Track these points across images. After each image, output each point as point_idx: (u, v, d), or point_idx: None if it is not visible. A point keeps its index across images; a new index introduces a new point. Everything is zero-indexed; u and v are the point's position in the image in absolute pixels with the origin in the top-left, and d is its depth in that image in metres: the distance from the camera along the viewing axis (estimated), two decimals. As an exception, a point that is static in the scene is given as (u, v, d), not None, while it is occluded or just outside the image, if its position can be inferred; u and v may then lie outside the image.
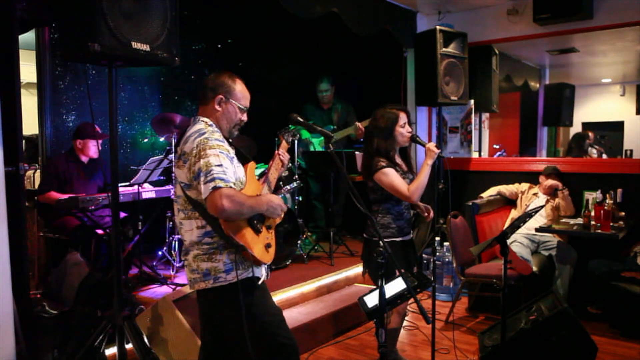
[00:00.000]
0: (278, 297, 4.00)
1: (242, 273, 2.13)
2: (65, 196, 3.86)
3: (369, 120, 3.23)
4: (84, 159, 4.20)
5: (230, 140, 2.31)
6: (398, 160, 3.15)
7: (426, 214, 3.16)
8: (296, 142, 5.21)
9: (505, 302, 2.79)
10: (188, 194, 2.13)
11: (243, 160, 2.32)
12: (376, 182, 3.03)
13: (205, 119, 2.23)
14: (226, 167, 2.04)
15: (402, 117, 3.08)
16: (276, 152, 2.48)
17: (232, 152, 2.20)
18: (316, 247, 5.26)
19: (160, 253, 4.63)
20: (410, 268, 3.15)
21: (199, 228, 2.14)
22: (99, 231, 3.97)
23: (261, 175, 2.45)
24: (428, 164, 3.02)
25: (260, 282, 2.20)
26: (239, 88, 2.28)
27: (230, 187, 2.00)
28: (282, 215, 2.26)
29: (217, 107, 2.23)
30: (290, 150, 2.75)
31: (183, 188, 2.15)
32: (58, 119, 4.70)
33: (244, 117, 2.31)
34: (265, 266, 2.27)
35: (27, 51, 4.77)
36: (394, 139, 3.07)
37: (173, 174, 4.43)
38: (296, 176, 4.87)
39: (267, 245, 2.21)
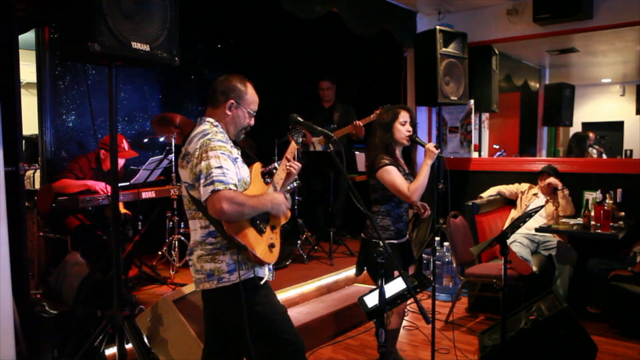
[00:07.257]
0: (278, 297, 3.93)
1: (244, 273, 2.13)
2: (79, 182, 3.90)
3: (368, 117, 3.23)
4: (106, 168, 4.19)
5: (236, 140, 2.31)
6: (400, 159, 3.16)
7: (422, 211, 3.17)
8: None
9: (505, 302, 2.79)
10: (191, 194, 2.14)
11: (249, 160, 2.31)
12: (378, 179, 3.04)
13: (211, 120, 2.22)
14: (227, 169, 2.03)
15: (403, 115, 3.11)
16: (285, 155, 2.42)
17: (235, 153, 2.19)
18: (316, 247, 5.26)
19: (160, 253, 4.63)
20: (407, 270, 3.16)
21: (202, 228, 2.15)
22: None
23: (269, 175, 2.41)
24: (427, 164, 3.05)
25: (262, 282, 2.20)
26: (250, 92, 2.27)
27: (230, 189, 2.00)
28: (289, 214, 2.25)
29: (227, 111, 2.23)
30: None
31: (187, 188, 2.16)
32: (58, 119, 4.71)
33: (252, 122, 2.31)
34: (269, 266, 2.27)
35: (27, 51, 4.78)
36: (392, 134, 3.09)
37: (173, 174, 4.45)
38: (296, 176, 4.86)
39: (271, 246, 2.20)
